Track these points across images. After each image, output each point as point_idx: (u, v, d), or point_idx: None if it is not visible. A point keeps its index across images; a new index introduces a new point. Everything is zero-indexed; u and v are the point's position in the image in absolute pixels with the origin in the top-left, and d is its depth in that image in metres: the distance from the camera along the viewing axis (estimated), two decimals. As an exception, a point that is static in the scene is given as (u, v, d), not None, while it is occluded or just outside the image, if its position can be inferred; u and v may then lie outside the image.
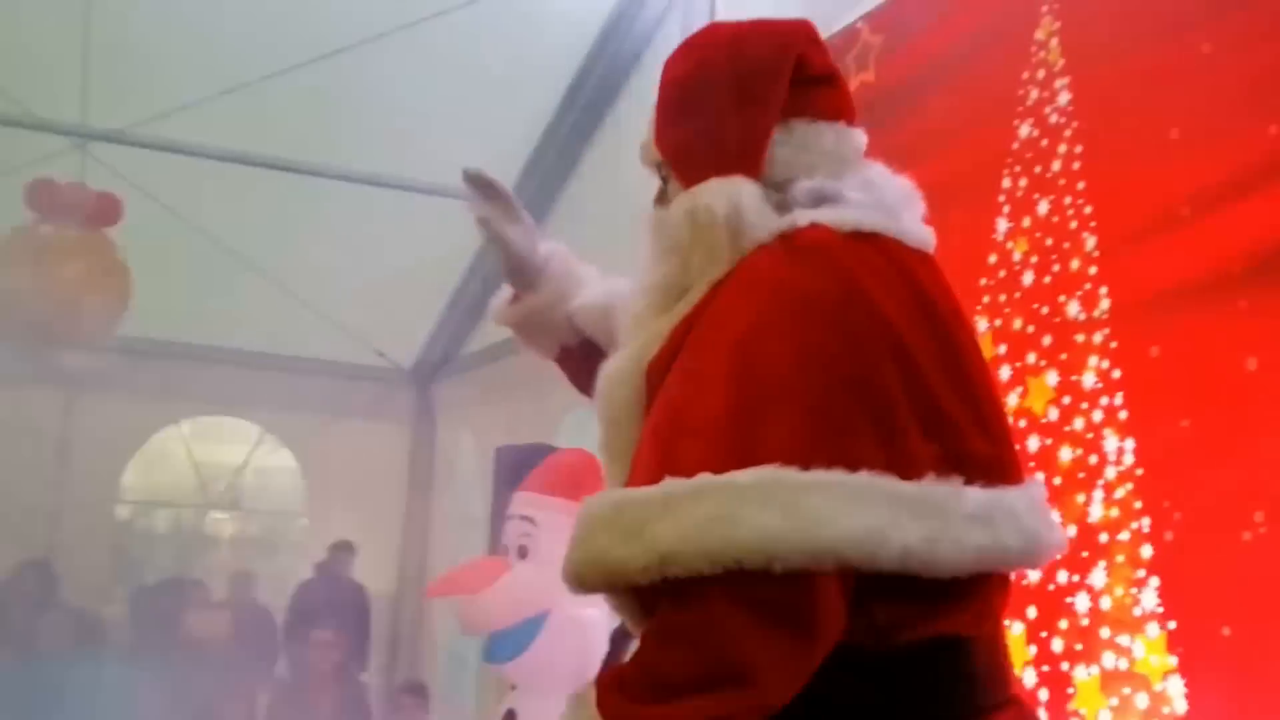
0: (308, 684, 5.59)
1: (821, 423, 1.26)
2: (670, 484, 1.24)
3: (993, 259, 2.91)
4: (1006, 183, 2.94)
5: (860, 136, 1.57)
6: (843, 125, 1.54)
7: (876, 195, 1.47)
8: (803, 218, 1.41)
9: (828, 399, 1.27)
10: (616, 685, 1.24)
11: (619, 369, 1.47)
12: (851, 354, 1.29)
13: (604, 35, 6.01)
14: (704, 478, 1.22)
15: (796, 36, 1.53)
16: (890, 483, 1.25)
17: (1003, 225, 2.92)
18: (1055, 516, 1.57)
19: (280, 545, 9.72)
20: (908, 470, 1.27)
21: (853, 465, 1.23)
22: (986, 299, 2.90)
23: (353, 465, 8.30)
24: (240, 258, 6.85)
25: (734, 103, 1.47)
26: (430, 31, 5.65)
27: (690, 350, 1.35)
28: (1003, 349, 2.83)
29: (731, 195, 1.42)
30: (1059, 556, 1.50)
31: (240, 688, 5.85)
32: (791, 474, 1.21)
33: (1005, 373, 2.80)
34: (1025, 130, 2.91)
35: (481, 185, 1.96)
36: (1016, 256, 2.86)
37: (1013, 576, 1.43)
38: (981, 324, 2.89)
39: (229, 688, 5.74)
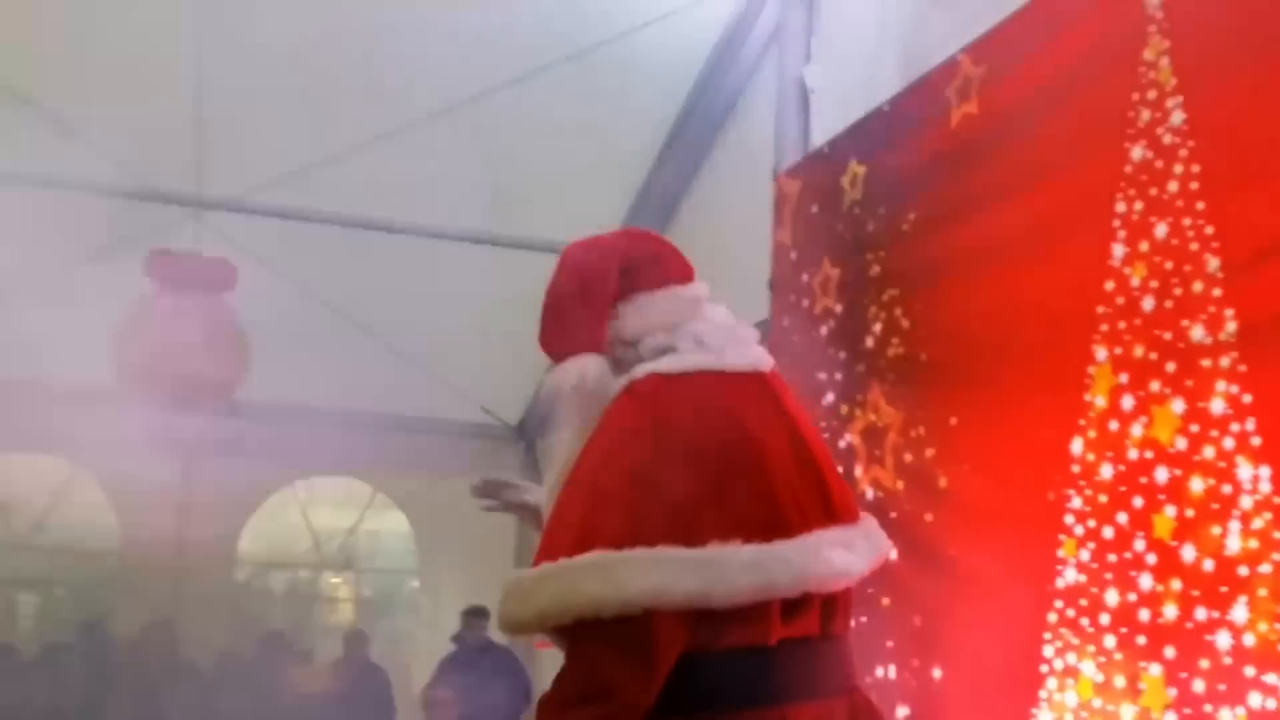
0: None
1: (632, 518, 1.90)
2: (544, 566, 1.93)
3: (1109, 285, 2.81)
4: (1120, 207, 2.84)
5: (694, 289, 2.22)
6: (674, 287, 2.19)
7: (703, 340, 2.10)
8: (640, 371, 2.06)
9: (639, 502, 1.92)
10: (540, 705, 1.92)
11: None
12: (659, 469, 1.93)
13: (701, 82, 6.03)
14: (561, 561, 1.91)
15: (619, 243, 2.25)
16: (676, 551, 1.87)
17: (1119, 251, 2.82)
18: (836, 554, 2.01)
19: (393, 605, 9.81)
20: (693, 541, 1.89)
21: (651, 543, 1.87)
22: (1105, 327, 2.80)
23: (462, 523, 8.33)
24: (351, 319, 6.99)
25: (578, 303, 2.18)
26: (532, 87, 5.75)
27: (569, 478, 2.04)
28: (1124, 378, 2.73)
29: (579, 369, 2.12)
30: (841, 580, 2.02)
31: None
32: (610, 554, 1.87)
33: (1128, 402, 2.69)
34: (1138, 153, 2.82)
35: (489, 489, 2.61)
36: (1135, 282, 2.75)
37: (808, 599, 1.98)
38: (1100, 353, 2.79)
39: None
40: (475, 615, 7.51)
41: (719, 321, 2.17)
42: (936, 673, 3.31)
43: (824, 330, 4.07)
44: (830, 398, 3.93)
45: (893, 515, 3.51)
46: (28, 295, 6.68)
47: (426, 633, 9.23)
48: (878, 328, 3.69)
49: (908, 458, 3.48)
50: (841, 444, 3.83)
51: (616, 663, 1.87)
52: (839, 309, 3.97)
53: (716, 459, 1.96)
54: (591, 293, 2.19)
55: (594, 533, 1.91)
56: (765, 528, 1.95)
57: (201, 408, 7.01)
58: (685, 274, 2.25)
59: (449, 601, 8.84)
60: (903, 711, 3.42)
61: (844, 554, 2.04)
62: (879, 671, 3.56)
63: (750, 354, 2.14)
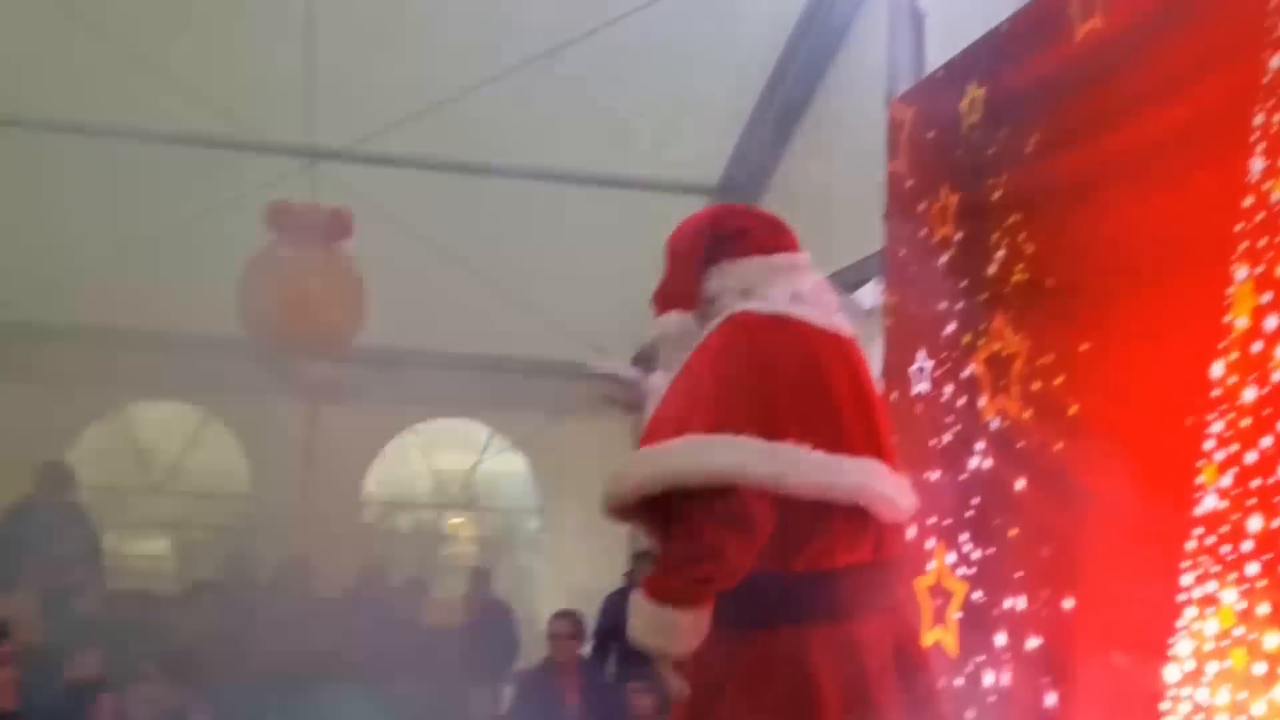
0: (556, 675, 5.71)
1: (720, 414, 2.33)
2: (647, 448, 2.38)
3: (1248, 202, 2.70)
4: (1258, 120, 2.71)
5: (783, 259, 2.62)
6: (758, 256, 2.61)
7: (795, 295, 2.52)
8: (738, 307, 2.50)
9: (728, 401, 2.36)
10: (658, 567, 2.37)
11: None
12: (747, 376, 2.39)
13: (810, 9, 5.92)
14: (663, 444, 2.35)
15: (709, 219, 2.74)
16: (757, 441, 2.30)
17: (1257, 165, 2.70)
18: (886, 482, 2.44)
19: (515, 543, 9.98)
20: (772, 437, 2.31)
21: (736, 433, 2.30)
22: (1244, 245, 2.69)
23: (579, 461, 8.43)
24: (464, 264, 7.07)
25: (673, 268, 2.69)
26: (633, 27, 5.69)
27: (671, 386, 2.52)
28: (1267, 297, 2.62)
29: (664, 322, 2.65)
30: (884, 505, 2.43)
31: (485, 677, 6.05)
32: (699, 437, 2.31)
33: (1272, 323, 2.59)
34: (1277, 62, 2.69)
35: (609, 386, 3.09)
36: (1275, 197, 2.64)
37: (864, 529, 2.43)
38: (1240, 272, 2.68)
39: (475, 677, 5.94)
40: (642, 558, 7.38)
41: (808, 287, 2.59)
42: (1068, 603, 3.25)
43: (943, 259, 3.99)
44: (951, 328, 3.86)
45: (1020, 444, 3.45)
46: (157, 249, 6.91)
47: (547, 570, 9.41)
48: (1000, 254, 3.60)
49: (1035, 386, 3.40)
50: (964, 374, 3.76)
51: (723, 531, 2.27)
52: (958, 236, 3.89)
53: (795, 377, 2.41)
54: (682, 260, 2.69)
55: (687, 424, 2.35)
56: (830, 443, 2.38)
57: (324, 354, 7.18)
58: (775, 245, 2.67)
59: (568, 539, 8.98)
60: (1034, 642, 3.38)
61: (891, 485, 2.48)
62: (1007, 603, 3.52)
63: (832, 318, 2.57)
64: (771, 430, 2.32)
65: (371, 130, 6.27)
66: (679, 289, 2.68)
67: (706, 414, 2.34)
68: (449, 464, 9.75)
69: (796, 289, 2.55)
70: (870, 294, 4.95)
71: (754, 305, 2.49)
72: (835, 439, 2.39)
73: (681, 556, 2.29)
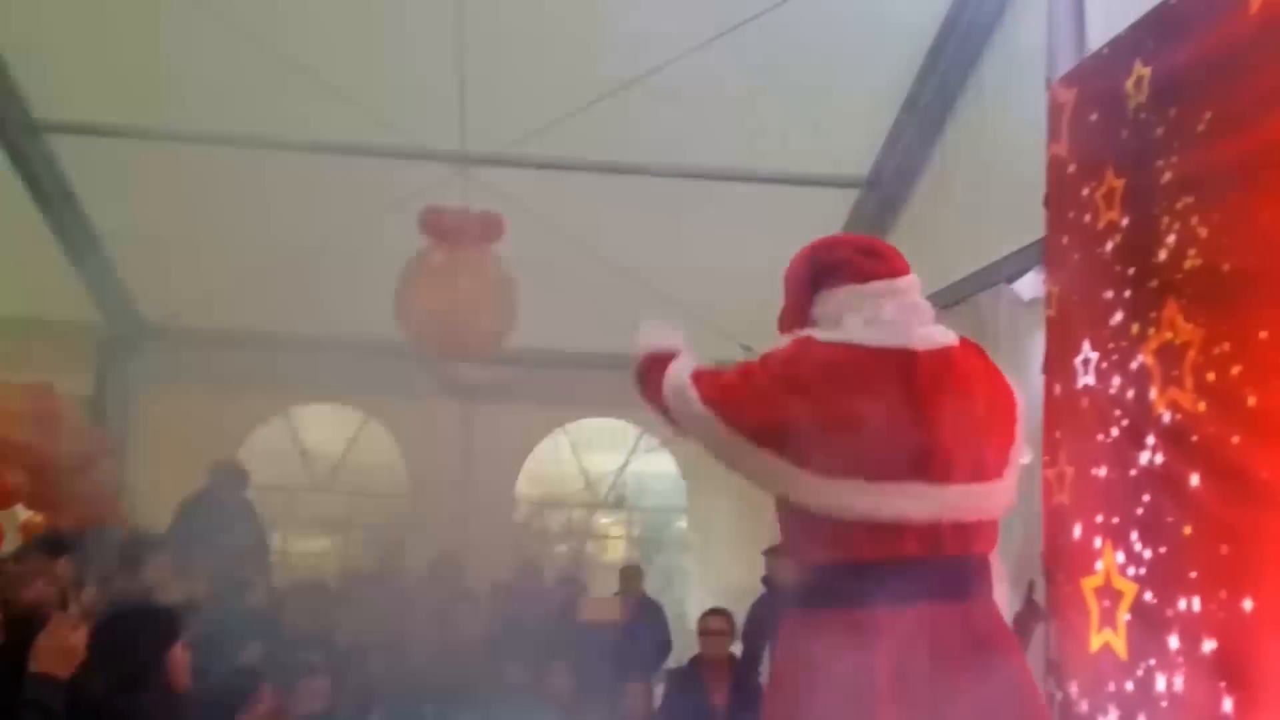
0: (706, 672, 5.70)
1: (748, 390, 2.75)
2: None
3: None
4: None
5: (881, 285, 2.92)
6: (853, 286, 2.90)
7: (868, 320, 2.83)
8: (803, 334, 2.86)
9: (759, 380, 2.76)
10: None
11: None
12: (788, 368, 2.76)
13: (957, 4, 5.77)
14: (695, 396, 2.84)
15: (812, 251, 3.02)
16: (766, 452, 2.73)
17: None
18: (896, 501, 2.72)
19: (663, 542, 10.00)
20: (777, 413, 2.73)
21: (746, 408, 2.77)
22: None
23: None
24: (613, 263, 7.12)
25: (787, 296, 3.03)
26: (780, 20, 5.64)
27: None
28: None
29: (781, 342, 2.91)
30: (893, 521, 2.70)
31: (638, 674, 6.07)
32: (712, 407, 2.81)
33: None
34: None
35: None
36: None
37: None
38: None
39: (628, 674, 5.96)
40: (774, 553, 7.28)
41: (888, 312, 2.87)
42: (1247, 604, 3.08)
43: (1109, 245, 3.82)
44: (1119, 317, 3.70)
45: (1194, 438, 3.28)
46: (317, 256, 7.15)
47: (696, 570, 9.40)
48: (1171, 239, 3.43)
49: (1210, 376, 3.23)
50: (1133, 365, 3.60)
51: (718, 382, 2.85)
52: (1125, 222, 3.72)
53: (821, 404, 2.72)
54: (793, 288, 3.04)
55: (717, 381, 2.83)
56: (844, 466, 2.69)
57: (476, 355, 7.32)
58: (870, 273, 2.94)
59: (717, 538, 8.96)
60: (1209, 645, 3.21)
61: (898, 502, 2.70)
62: (1181, 604, 3.35)
63: (910, 337, 2.83)
64: (759, 437, 2.72)
65: (521, 134, 6.37)
66: (793, 314, 3.04)
67: (720, 382, 2.82)
68: (598, 463, 9.83)
69: (874, 315, 2.85)
70: (1030, 284, 4.79)
71: (817, 332, 2.85)
72: (836, 458, 2.69)
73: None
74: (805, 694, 2.71)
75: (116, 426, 8.22)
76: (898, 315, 2.85)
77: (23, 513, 7.22)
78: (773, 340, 7.45)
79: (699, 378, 2.86)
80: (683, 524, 9.83)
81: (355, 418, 9.15)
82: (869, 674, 2.61)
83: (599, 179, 6.78)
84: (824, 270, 2.95)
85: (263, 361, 8.12)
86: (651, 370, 3.01)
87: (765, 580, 6.63)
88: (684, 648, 7.09)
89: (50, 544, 5.76)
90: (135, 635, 3.46)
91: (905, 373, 2.77)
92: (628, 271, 7.18)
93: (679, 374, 2.92)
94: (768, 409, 2.73)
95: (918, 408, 2.74)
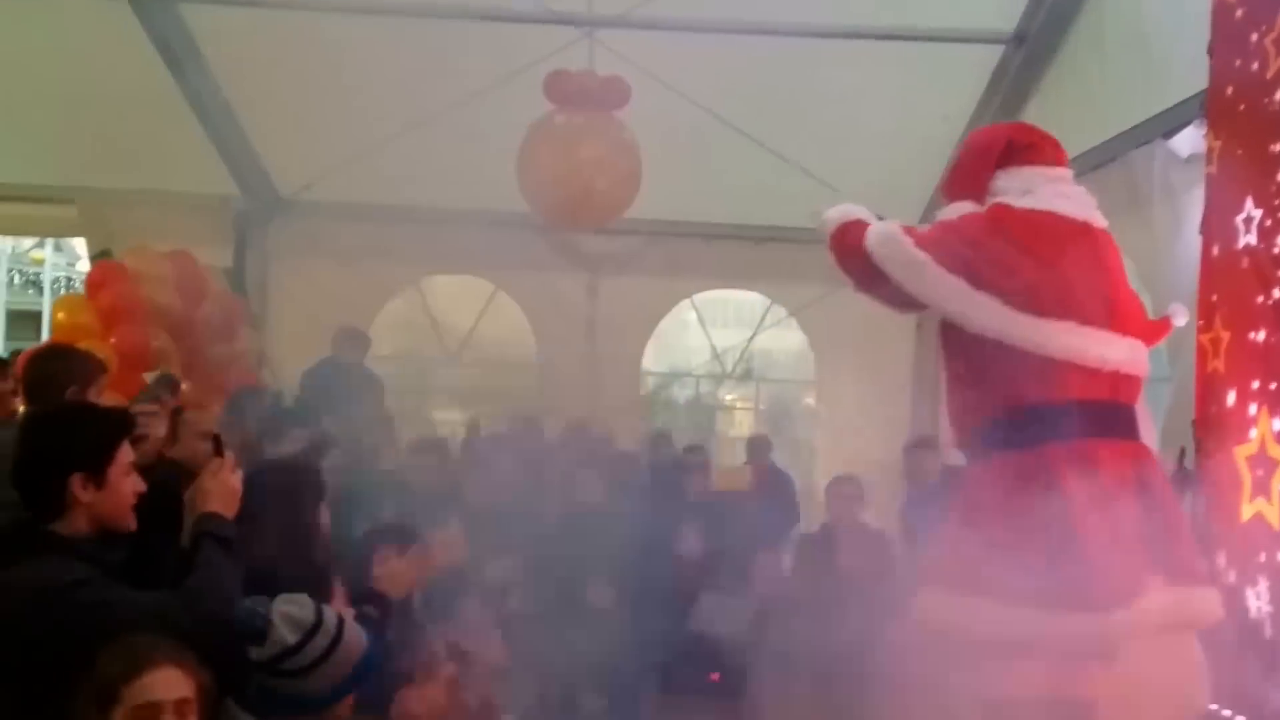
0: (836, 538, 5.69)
1: (947, 247, 3.24)
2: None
3: None
4: None
5: (1058, 172, 3.39)
6: (1039, 166, 3.37)
7: (1052, 194, 3.29)
8: (1002, 200, 3.31)
9: (953, 238, 3.25)
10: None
11: None
12: (977, 233, 3.25)
13: None
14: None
15: (1011, 129, 3.62)
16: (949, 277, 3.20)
17: None
18: (1091, 343, 3.16)
19: (790, 416, 9.95)
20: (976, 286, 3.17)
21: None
22: None
23: (858, 333, 8.27)
24: (740, 130, 6.95)
25: (965, 166, 3.50)
26: None
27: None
28: None
29: (955, 210, 3.41)
30: (1093, 363, 3.15)
31: (767, 541, 6.10)
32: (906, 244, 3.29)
33: None
34: None
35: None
36: None
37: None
38: None
39: (757, 541, 5.99)
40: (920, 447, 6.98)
41: (1070, 191, 3.35)
42: None
43: (1279, 95, 3.57)
44: (1288, 171, 3.47)
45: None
46: (444, 125, 7.13)
47: (823, 442, 9.34)
48: (1350, 84, 3.18)
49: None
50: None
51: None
52: (1298, 67, 3.46)
53: (1020, 250, 3.18)
54: (979, 156, 3.43)
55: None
56: (1038, 305, 3.13)
57: (600, 224, 7.26)
58: (1054, 159, 3.40)
59: (845, 411, 8.86)
60: None
61: (1100, 346, 3.14)
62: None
63: (1090, 214, 3.31)
64: (977, 281, 3.14)
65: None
66: (973, 182, 3.36)
67: (929, 235, 3.27)
68: (725, 336, 9.78)
69: (1062, 191, 3.30)
70: (1189, 140, 4.52)
71: (1009, 200, 3.27)
72: (1049, 303, 3.12)
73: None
74: (1003, 530, 3.01)
75: (254, 298, 8.43)
76: (1078, 196, 3.32)
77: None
78: (908, 208, 7.28)
79: (909, 230, 3.27)
80: (810, 398, 9.75)
81: (485, 289, 9.22)
82: (1066, 504, 2.97)
83: (726, 41, 6.58)
84: (1017, 149, 3.37)
85: (394, 234, 8.21)
86: (850, 229, 3.40)
87: (908, 475, 6.43)
88: (812, 522, 7.09)
89: (169, 382, 5.91)
90: (287, 492, 3.56)
91: (1089, 241, 3.25)
92: (755, 138, 7.01)
93: (887, 227, 3.31)
94: (986, 256, 3.14)
95: (1104, 270, 3.24)
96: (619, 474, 6.70)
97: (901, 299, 3.38)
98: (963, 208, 3.33)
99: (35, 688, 2.61)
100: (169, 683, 2.40)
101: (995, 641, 3.07)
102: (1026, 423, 3.13)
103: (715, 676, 5.62)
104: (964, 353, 3.30)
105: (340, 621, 2.86)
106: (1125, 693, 3.01)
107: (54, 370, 3.89)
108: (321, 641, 2.80)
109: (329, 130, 7.41)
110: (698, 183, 7.65)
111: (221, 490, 2.95)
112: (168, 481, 3.22)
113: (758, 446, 7.96)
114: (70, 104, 7.32)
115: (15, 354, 5.21)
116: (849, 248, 3.39)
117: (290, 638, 2.77)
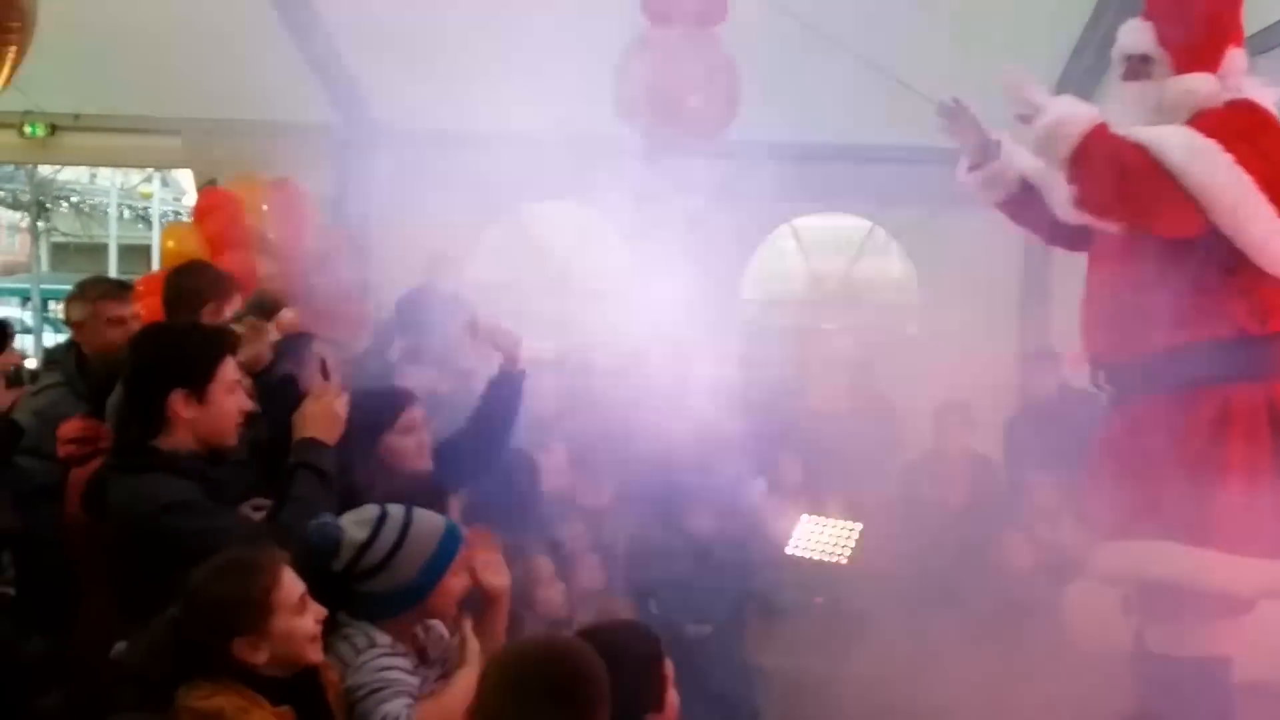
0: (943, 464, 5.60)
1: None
2: None
3: None
4: None
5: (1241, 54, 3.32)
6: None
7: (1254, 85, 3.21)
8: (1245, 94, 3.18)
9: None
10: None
11: None
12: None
13: None
14: None
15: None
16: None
17: None
18: None
19: (891, 343, 9.73)
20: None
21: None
22: None
23: (963, 257, 8.06)
24: (843, 45, 6.74)
25: (1205, 28, 3.23)
26: None
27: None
28: None
29: (1191, 85, 3.26)
30: None
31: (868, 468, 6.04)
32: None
33: None
34: None
35: (952, 114, 3.76)
36: None
37: None
38: None
39: (859, 467, 5.93)
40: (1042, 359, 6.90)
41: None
42: None
43: None
44: None
45: None
46: (540, 49, 7.05)
47: (927, 369, 9.14)
48: None
49: None
50: None
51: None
52: None
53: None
54: (1221, 21, 3.19)
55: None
56: None
57: (698, 146, 7.14)
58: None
59: (949, 337, 8.65)
60: None
61: None
62: None
63: None
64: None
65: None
66: (1212, 50, 3.13)
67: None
68: (825, 262, 9.60)
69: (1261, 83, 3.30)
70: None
71: (1252, 94, 3.14)
72: None
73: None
74: (1158, 472, 2.99)
75: (355, 225, 8.50)
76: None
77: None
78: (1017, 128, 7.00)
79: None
80: (912, 324, 9.56)
81: (583, 216, 9.17)
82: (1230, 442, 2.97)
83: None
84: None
85: (493, 160, 8.18)
86: (1106, 137, 3.08)
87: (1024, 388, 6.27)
88: (912, 451, 6.96)
89: (264, 302, 5.99)
90: (392, 413, 3.59)
91: None
92: (857, 53, 6.80)
93: (1187, 136, 3.06)
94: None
95: None
96: (717, 401, 6.63)
97: (1053, 229, 3.23)
98: (1197, 83, 3.10)
99: (133, 603, 2.68)
100: (295, 576, 2.47)
101: (1224, 595, 2.99)
102: (1255, 351, 2.98)
103: (818, 600, 5.60)
104: (1184, 270, 3.08)
105: (408, 510, 2.87)
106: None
107: (183, 286, 3.95)
108: (391, 531, 2.81)
109: (428, 57, 7.38)
110: (797, 100, 7.47)
111: (324, 415, 2.96)
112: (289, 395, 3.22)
113: (858, 372, 7.84)
114: (174, 36, 7.40)
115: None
116: (1119, 159, 3.02)
117: (360, 535, 2.78)
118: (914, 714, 4.32)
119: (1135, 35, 3.17)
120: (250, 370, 3.22)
